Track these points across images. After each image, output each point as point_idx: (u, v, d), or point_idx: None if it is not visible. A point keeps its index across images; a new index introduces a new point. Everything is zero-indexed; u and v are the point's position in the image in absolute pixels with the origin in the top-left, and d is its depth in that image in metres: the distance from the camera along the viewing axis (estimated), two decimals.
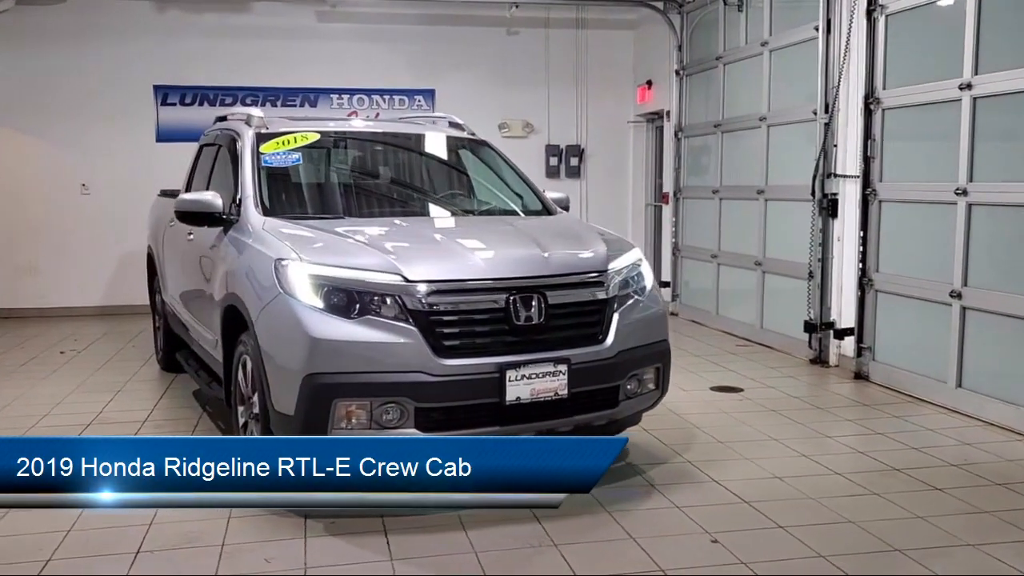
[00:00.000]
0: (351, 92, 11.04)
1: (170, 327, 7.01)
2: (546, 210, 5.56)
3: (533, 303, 4.17)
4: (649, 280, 4.80)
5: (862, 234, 6.94)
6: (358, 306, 4.04)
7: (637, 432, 5.11)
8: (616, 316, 4.44)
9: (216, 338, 5.11)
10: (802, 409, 6.15)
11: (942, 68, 6.13)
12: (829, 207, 7.39)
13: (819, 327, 7.46)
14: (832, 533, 3.99)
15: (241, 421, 4.72)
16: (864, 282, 6.95)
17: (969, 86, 5.83)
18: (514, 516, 4.02)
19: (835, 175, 7.33)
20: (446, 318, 4.07)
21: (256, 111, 5.72)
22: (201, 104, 10.71)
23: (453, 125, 6.25)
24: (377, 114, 10.92)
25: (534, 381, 4.11)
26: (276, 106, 10.81)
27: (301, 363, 3.98)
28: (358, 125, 5.96)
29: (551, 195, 5.77)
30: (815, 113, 7.48)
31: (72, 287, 10.53)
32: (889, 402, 6.28)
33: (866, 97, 6.85)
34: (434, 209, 5.51)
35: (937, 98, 6.18)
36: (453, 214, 5.42)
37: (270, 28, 10.70)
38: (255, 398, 4.39)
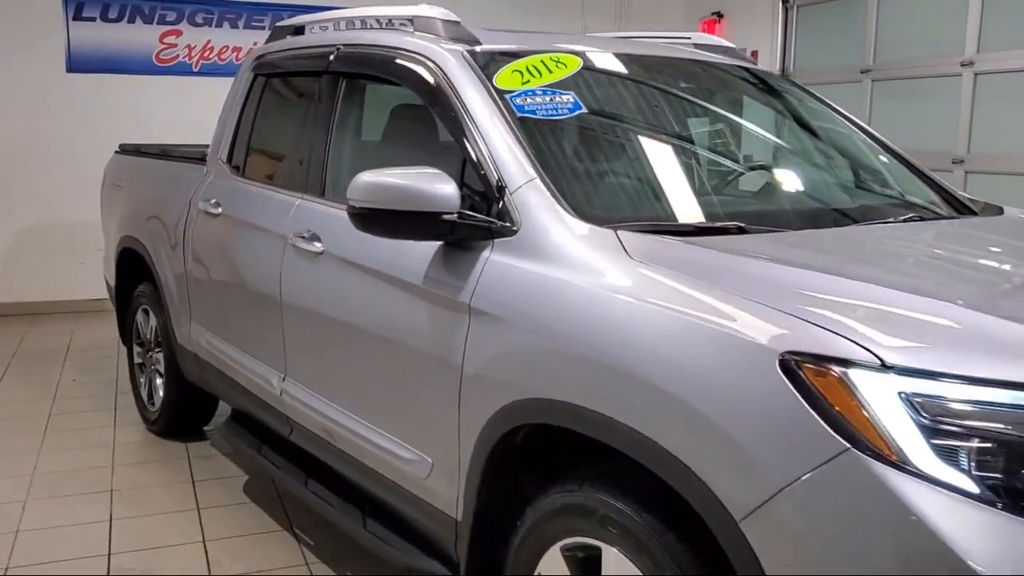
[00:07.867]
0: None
1: (183, 374, 4.27)
2: (958, 203, 3.19)
3: None
4: None
5: None
6: None
7: None
8: None
9: (431, 462, 2.52)
10: None
11: None
12: None
13: None
14: None
15: None
16: None
17: None
18: None
19: None
20: None
21: (439, 11, 3.08)
22: (132, 20, 7.62)
23: (723, 51, 3.71)
24: None
25: None
26: (238, 27, 7.88)
27: None
28: (625, 47, 3.23)
29: None
30: None
31: None
32: None
33: None
34: (857, 210, 2.87)
35: None
36: (889, 219, 2.78)
37: None
38: None
